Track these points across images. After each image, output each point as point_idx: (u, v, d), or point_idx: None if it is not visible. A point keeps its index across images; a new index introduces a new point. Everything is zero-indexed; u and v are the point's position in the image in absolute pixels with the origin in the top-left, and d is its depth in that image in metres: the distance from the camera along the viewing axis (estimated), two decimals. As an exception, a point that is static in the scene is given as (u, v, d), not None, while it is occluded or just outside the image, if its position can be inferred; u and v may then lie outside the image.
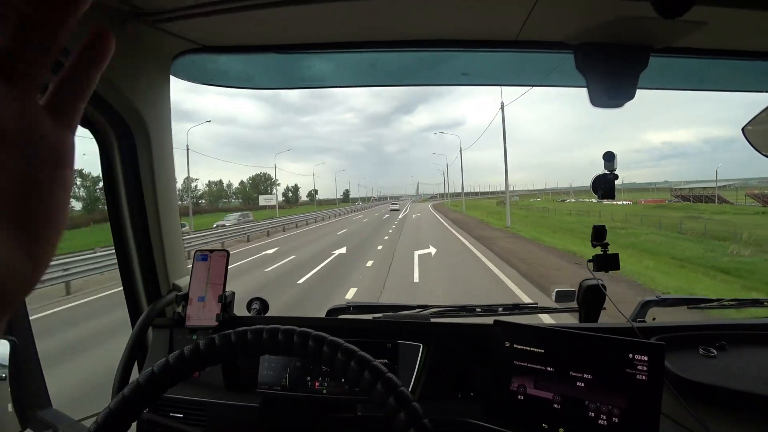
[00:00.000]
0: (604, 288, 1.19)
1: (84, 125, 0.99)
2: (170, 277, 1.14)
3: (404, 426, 0.54)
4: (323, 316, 1.25)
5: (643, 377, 0.74)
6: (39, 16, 0.20)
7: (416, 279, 8.73)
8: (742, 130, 1.15)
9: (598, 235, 1.15)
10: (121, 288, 1.13)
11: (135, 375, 1.03)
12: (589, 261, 1.15)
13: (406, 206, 70.17)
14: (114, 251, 1.11)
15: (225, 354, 0.65)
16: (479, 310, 1.27)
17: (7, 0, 0.19)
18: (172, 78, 1.10)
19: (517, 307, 1.30)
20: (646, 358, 0.74)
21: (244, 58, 1.12)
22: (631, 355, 0.75)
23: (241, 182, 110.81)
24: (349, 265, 10.78)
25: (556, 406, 0.80)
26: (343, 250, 13.95)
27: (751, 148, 1.14)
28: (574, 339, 0.81)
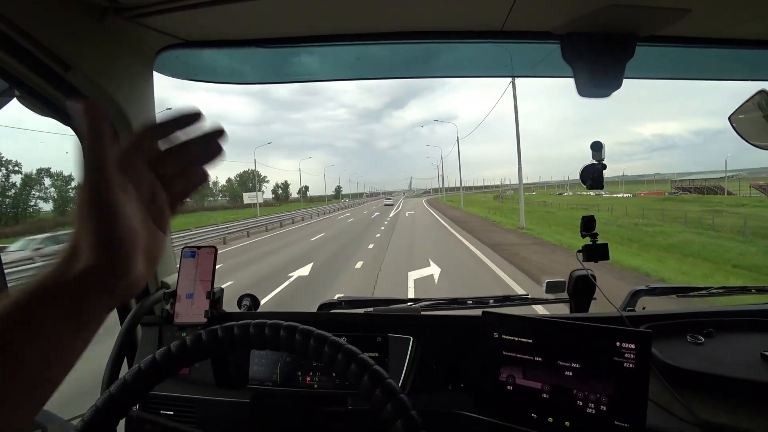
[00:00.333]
0: (594, 278, 1.19)
1: (65, 123, 0.97)
2: (158, 275, 1.13)
3: (391, 418, 0.54)
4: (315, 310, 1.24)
5: (631, 365, 0.74)
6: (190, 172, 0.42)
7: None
8: (729, 118, 1.15)
9: (588, 225, 1.15)
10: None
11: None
12: (579, 251, 1.16)
13: (399, 202, 67.96)
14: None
15: (212, 349, 0.65)
16: (470, 302, 1.27)
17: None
18: (156, 74, 1.09)
19: (508, 299, 1.30)
20: (633, 346, 0.74)
21: (230, 53, 1.10)
22: (618, 344, 0.75)
23: (228, 180, 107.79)
24: (310, 296, 7.07)
25: (544, 395, 0.80)
26: (306, 270, 9.48)
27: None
28: (562, 328, 0.81)
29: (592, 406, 0.76)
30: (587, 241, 1.16)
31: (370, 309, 1.20)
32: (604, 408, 0.75)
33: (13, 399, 0.31)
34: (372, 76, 1.28)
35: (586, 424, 0.76)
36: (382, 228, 21.16)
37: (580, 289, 1.23)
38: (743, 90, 1.13)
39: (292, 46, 1.05)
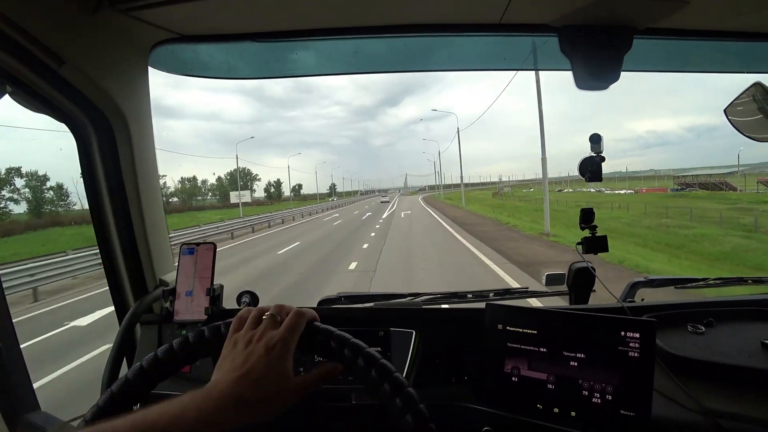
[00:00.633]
0: (594, 270, 1.20)
1: (60, 119, 0.96)
2: (157, 273, 1.12)
3: (400, 412, 0.53)
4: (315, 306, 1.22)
5: (636, 354, 0.74)
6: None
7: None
8: (725, 111, 1.16)
9: (586, 217, 1.15)
10: (89, 294, 1.10)
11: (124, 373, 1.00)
12: (578, 243, 1.16)
13: (394, 200, 65.71)
14: (84, 253, 1.09)
15: (215, 346, 0.64)
16: (470, 296, 1.27)
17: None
18: (151, 70, 1.07)
19: (508, 292, 1.31)
20: (637, 335, 0.75)
21: (225, 48, 1.09)
22: (623, 333, 0.76)
23: (219, 178, 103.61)
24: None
25: (550, 386, 0.80)
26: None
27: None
28: (567, 319, 0.81)
29: (598, 395, 0.76)
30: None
31: (371, 304, 1.20)
32: (610, 397, 0.75)
33: None
34: (369, 70, 1.27)
35: (592, 413, 0.76)
36: (372, 234, 16.89)
37: (580, 282, 1.24)
38: (736, 85, 1.13)
39: (288, 40, 1.04)
